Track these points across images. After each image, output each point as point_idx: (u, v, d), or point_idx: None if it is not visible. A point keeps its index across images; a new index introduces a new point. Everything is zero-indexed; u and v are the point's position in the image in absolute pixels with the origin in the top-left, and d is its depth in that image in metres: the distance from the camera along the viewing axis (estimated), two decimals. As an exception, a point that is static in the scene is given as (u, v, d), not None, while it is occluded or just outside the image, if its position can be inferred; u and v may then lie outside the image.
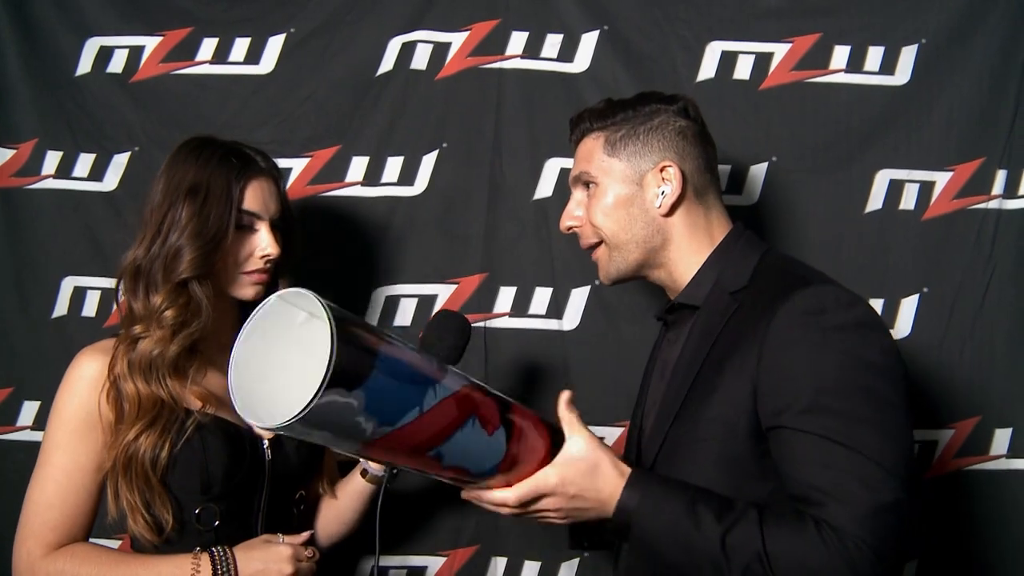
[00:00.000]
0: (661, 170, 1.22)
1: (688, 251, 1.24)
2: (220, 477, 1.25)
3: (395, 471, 1.31)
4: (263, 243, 1.33)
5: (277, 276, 1.38)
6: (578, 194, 1.30)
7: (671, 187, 1.22)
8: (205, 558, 1.22)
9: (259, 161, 1.36)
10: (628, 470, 1.09)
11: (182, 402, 1.26)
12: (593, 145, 1.27)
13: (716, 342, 1.15)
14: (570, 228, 1.31)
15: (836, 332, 1.07)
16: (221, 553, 1.23)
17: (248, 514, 1.31)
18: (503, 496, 1.08)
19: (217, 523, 1.26)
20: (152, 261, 1.27)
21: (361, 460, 1.42)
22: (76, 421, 1.24)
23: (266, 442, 1.33)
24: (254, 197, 1.33)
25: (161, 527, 1.23)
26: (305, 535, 1.31)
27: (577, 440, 1.09)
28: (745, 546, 1.00)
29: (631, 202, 1.24)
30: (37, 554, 1.21)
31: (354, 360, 0.89)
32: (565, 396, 1.13)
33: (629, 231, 1.24)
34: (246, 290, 1.35)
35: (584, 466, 1.08)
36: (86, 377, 1.25)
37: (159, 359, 1.24)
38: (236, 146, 1.36)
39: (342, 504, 1.46)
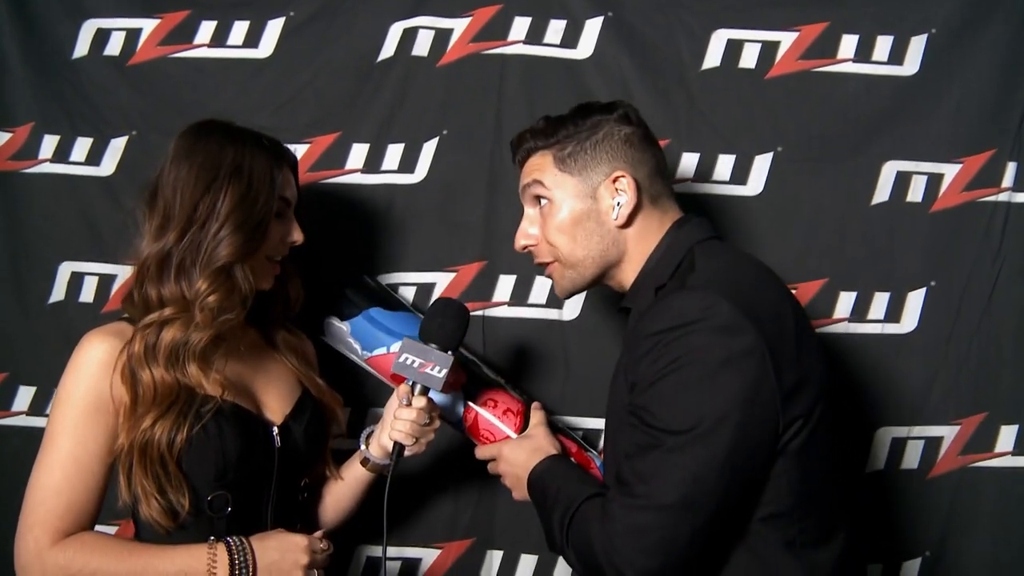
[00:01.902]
0: (614, 181, 1.22)
1: (642, 255, 1.24)
2: (235, 464, 1.24)
3: (399, 456, 1.32)
4: (295, 231, 1.35)
5: (285, 264, 1.39)
6: (530, 211, 1.30)
7: (626, 197, 1.21)
8: (221, 548, 1.20)
9: (285, 149, 1.37)
10: (552, 454, 1.32)
11: (202, 388, 1.24)
12: (542, 161, 1.27)
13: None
14: (525, 247, 1.32)
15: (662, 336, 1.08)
16: (238, 544, 1.21)
17: (258, 501, 1.30)
18: (478, 450, 1.45)
19: (229, 510, 1.25)
20: (188, 248, 1.24)
21: (362, 448, 1.42)
22: (85, 404, 1.21)
23: (276, 429, 1.32)
24: (287, 183, 1.34)
25: (176, 512, 1.21)
26: (319, 532, 1.30)
27: (531, 430, 1.40)
28: (568, 505, 1.16)
29: (587, 216, 1.23)
30: (45, 543, 1.17)
31: (351, 305, 1.53)
32: (535, 404, 1.44)
33: (586, 247, 1.24)
34: (266, 280, 1.34)
35: (526, 444, 1.36)
36: (96, 359, 1.22)
37: (189, 345, 1.22)
38: (259, 132, 1.35)
39: (340, 492, 1.45)
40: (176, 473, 1.20)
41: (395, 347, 1.47)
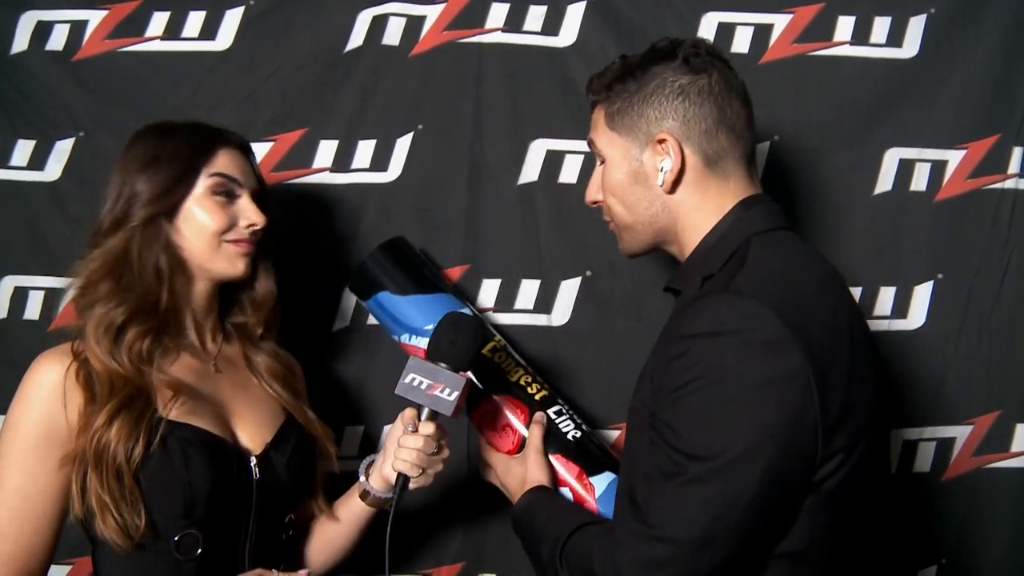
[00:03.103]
0: (659, 143, 1.10)
1: (697, 229, 1.11)
2: (204, 498, 1.11)
3: (403, 490, 1.19)
4: (247, 211, 1.24)
5: (258, 258, 1.29)
6: (598, 168, 1.20)
7: (669, 161, 1.09)
8: None
9: (227, 132, 1.27)
10: (535, 486, 1.24)
11: (152, 391, 1.13)
12: (597, 117, 1.18)
13: None
14: (595, 203, 1.22)
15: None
16: None
17: (234, 540, 1.17)
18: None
19: (200, 551, 1.12)
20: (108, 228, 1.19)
21: (361, 480, 1.29)
22: (36, 436, 1.09)
23: (254, 458, 1.19)
24: (229, 163, 1.24)
25: (134, 530, 1.08)
26: (303, 573, 1.16)
27: (525, 452, 1.29)
28: (559, 536, 1.10)
29: (635, 179, 1.13)
30: None
31: (363, 284, 1.46)
32: (538, 416, 1.31)
33: (635, 212, 1.14)
34: (233, 263, 1.23)
35: (516, 472, 1.28)
36: (46, 383, 1.11)
37: (114, 323, 1.14)
38: (198, 122, 1.27)
39: (334, 531, 1.32)
40: (133, 489, 1.08)
41: (405, 338, 1.38)
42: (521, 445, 1.29)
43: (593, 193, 1.21)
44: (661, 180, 1.10)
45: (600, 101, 1.16)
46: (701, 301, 1.00)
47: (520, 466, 1.27)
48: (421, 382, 1.15)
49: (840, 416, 0.95)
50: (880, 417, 1.05)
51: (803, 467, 0.95)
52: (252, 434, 1.22)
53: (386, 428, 1.55)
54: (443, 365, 1.17)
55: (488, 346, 1.34)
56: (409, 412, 1.20)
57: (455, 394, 1.15)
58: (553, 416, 1.32)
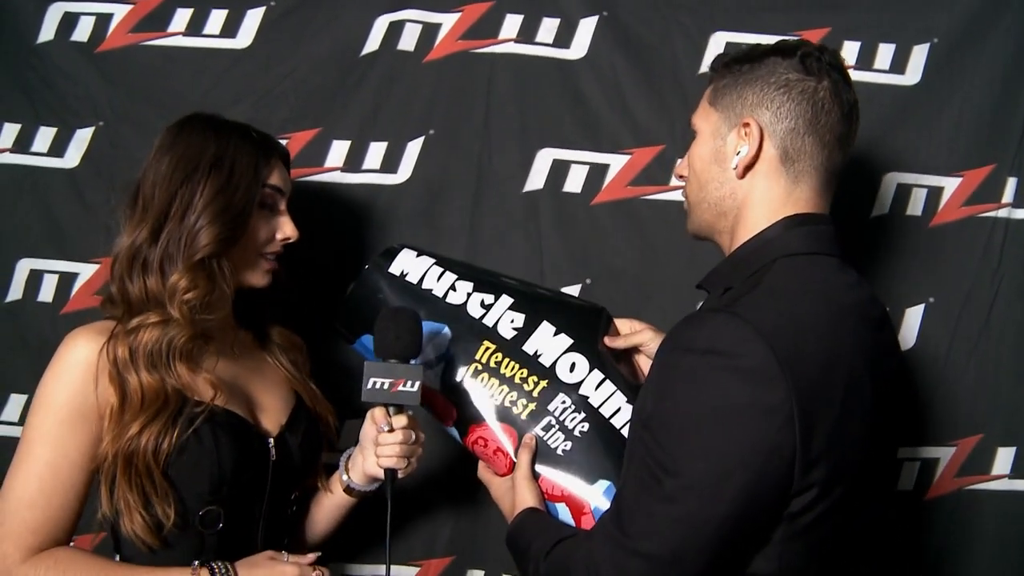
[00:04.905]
0: (745, 125, 1.08)
1: (748, 229, 1.10)
2: (230, 478, 1.16)
3: (393, 482, 1.22)
4: (285, 225, 1.28)
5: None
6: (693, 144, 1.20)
7: (747, 147, 1.08)
8: (204, 574, 1.13)
9: (275, 141, 1.32)
10: (525, 507, 1.23)
11: (191, 392, 1.17)
12: (707, 93, 1.17)
13: None
14: (680, 176, 1.22)
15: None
16: (223, 570, 1.13)
17: (249, 515, 1.23)
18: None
19: (221, 525, 1.17)
20: (165, 243, 1.18)
21: (344, 478, 1.34)
22: (68, 410, 1.12)
23: (271, 440, 1.25)
24: (279, 175, 1.28)
25: (160, 526, 1.13)
26: (311, 556, 1.22)
27: (514, 475, 1.27)
28: (544, 545, 1.11)
29: (714, 158, 1.12)
30: (15, 558, 1.09)
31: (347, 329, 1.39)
32: (526, 439, 1.26)
33: (705, 189, 1.14)
34: (260, 277, 1.28)
35: (508, 497, 1.27)
36: (81, 361, 1.14)
37: (172, 345, 1.15)
38: (249, 125, 1.30)
39: (329, 506, 1.37)
40: (162, 483, 1.12)
41: None
42: (514, 466, 1.28)
43: (682, 167, 1.21)
44: (735, 163, 1.09)
45: (716, 78, 1.15)
46: (704, 316, 1.03)
47: (511, 491, 1.27)
48: (383, 383, 1.18)
49: (823, 451, 0.94)
50: (884, 441, 1.06)
51: (776, 497, 0.95)
52: (270, 417, 1.28)
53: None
54: (394, 360, 1.20)
55: (470, 369, 1.31)
56: (379, 412, 1.23)
57: (417, 383, 1.19)
58: (542, 433, 1.27)
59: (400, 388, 1.19)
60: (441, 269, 1.38)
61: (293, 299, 1.39)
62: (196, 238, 1.18)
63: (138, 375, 1.13)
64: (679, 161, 1.23)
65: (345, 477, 1.34)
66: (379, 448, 1.22)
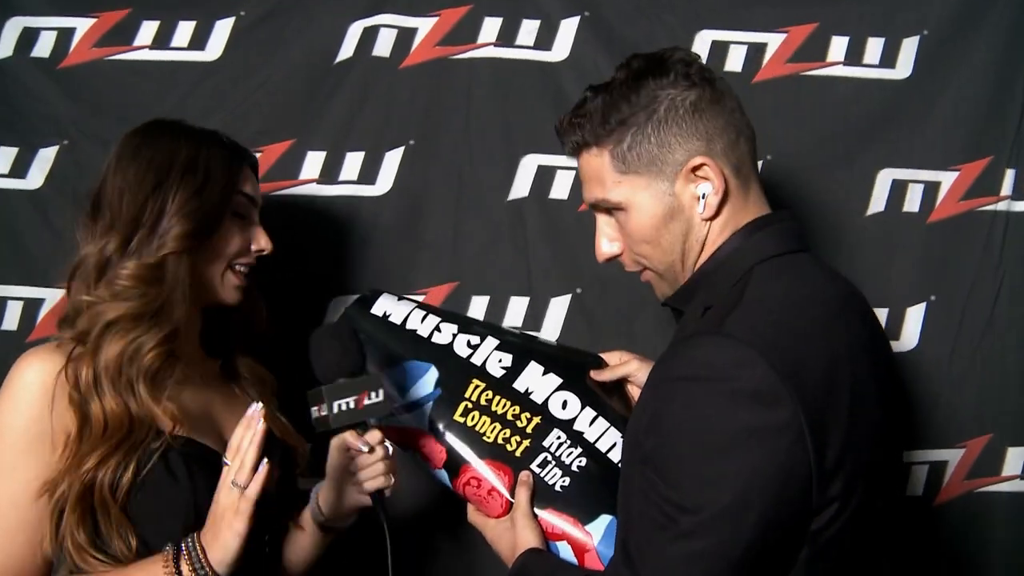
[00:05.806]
0: (693, 170, 1.00)
1: (711, 242, 1.03)
2: (205, 513, 1.06)
3: (383, 500, 1.15)
4: (260, 236, 1.22)
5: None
6: (604, 221, 1.10)
7: (712, 185, 1.00)
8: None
9: (243, 148, 1.25)
10: (526, 549, 1.16)
11: (153, 421, 1.07)
12: (599, 164, 1.04)
13: None
14: (609, 259, 1.12)
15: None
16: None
17: None
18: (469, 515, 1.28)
19: None
20: (136, 251, 1.10)
21: (319, 515, 1.24)
22: (26, 438, 1.03)
23: None
24: (251, 182, 1.22)
25: (123, 557, 1.04)
26: None
27: (513, 515, 1.20)
28: None
29: (671, 217, 1.02)
30: None
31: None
32: (523, 477, 1.20)
33: (672, 250, 1.04)
34: (230, 292, 1.21)
35: (506, 537, 1.20)
36: (36, 383, 1.05)
37: (139, 352, 1.06)
38: (217, 131, 1.23)
39: (303, 542, 1.28)
40: (119, 517, 1.04)
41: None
42: (510, 507, 1.21)
43: (609, 248, 1.10)
44: (702, 207, 1.01)
45: (598, 143, 1.03)
46: (693, 341, 0.95)
47: (509, 531, 1.20)
48: (347, 403, 1.10)
49: (838, 462, 0.90)
50: (890, 444, 1.01)
51: (797, 518, 0.90)
52: None
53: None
54: (343, 380, 1.12)
55: (458, 410, 1.25)
56: (349, 436, 1.15)
57: (381, 391, 1.12)
58: (538, 470, 1.21)
59: (367, 401, 1.12)
60: (424, 312, 1.34)
61: (262, 324, 1.31)
62: (165, 241, 1.11)
63: (101, 400, 1.05)
64: (603, 249, 1.11)
65: (320, 516, 1.24)
66: (362, 473, 1.14)
